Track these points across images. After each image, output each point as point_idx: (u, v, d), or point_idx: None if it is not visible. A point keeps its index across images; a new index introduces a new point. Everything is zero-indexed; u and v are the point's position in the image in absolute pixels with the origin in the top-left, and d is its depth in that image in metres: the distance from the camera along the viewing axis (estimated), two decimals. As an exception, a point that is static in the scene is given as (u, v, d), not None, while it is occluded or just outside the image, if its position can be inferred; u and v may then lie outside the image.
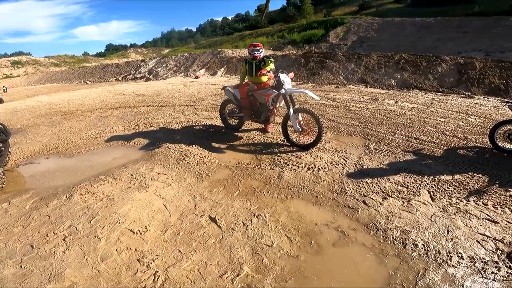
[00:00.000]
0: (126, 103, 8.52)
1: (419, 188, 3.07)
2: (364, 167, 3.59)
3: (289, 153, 4.10)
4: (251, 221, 2.71)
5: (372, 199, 2.93)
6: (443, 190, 3.03)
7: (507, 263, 2.11)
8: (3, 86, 22.67)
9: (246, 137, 4.87)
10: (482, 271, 2.07)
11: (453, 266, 2.11)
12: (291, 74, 4.36)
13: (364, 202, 2.89)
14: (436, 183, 3.14)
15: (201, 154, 4.26)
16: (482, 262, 2.15)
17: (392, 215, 2.67)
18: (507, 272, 2.04)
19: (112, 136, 5.42)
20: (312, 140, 4.11)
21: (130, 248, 2.37)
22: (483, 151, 3.88)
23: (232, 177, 3.58)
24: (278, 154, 4.11)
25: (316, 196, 3.05)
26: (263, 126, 5.00)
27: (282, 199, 3.05)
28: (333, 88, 8.84)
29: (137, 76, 20.47)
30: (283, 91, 4.12)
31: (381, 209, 2.76)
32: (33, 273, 2.16)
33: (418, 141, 4.28)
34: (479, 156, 3.75)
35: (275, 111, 4.51)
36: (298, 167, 3.67)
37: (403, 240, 2.36)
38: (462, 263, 2.13)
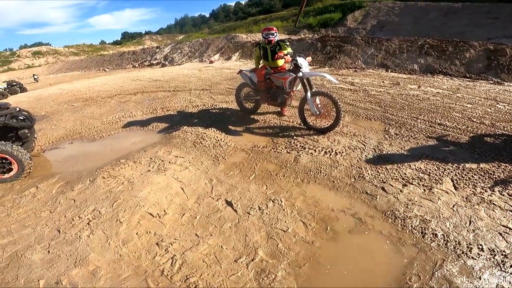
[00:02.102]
0: (144, 89, 8.58)
1: (442, 176, 2.88)
2: (384, 152, 3.41)
3: (305, 137, 3.99)
4: (266, 205, 2.66)
5: (392, 185, 2.79)
6: (467, 178, 2.82)
7: (529, 257, 1.96)
8: (34, 75, 23.15)
9: (262, 120, 4.78)
10: (501, 265, 1.94)
11: (472, 258, 1.99)
12: (309, 58, 4.20)
13: (383, 188, 2.76)
14: (460, 171, 2.94)
15: (217, 137, 4.24)
16: (502, 255, 2.01)
17: (412, 203, 2.53)
18: (527, 267, 1.89)
19: (131, 120, 5.50)
20: (329, 123, 3.98)
21: (149, 232, 2.40)
22: (511, 139, 3.60)
23: (248, 160, 3.53)
24: (294, 137, 4.00)
25: (333, 181, 2.95)
26: (279, 109, 4.91)
27: (298, 184, 2.97)
28: (351, 72, 8.47)
29: (153, 63, 20.58)
30: (300, 74, 3.98)
31: (401, 197, 2.62)
32: (60, 258, 2.20)
33: (442, 127, 4.02)
34: (506, 144, 3.47)
35: (292, 94, 4.38)
36: (315, 151, 3.56)
37: (422, 230, 2.24)
38: (481, 255, 2.01)
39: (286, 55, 4.19)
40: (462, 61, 7.88)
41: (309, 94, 3.93)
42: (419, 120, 4.29)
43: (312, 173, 3.13)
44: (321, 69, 9.26)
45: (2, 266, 2.15)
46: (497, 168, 2.96)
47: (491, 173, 2.88)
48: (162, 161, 3.59)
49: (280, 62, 4.38)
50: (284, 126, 4.48)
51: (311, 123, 4.17)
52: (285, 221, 2.44)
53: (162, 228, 2.44)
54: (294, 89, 4.28)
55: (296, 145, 3.77)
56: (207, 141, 4.13)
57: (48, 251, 2.27)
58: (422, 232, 2.22)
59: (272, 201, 2.72)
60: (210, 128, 4.58)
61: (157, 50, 23.05)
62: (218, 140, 4.12)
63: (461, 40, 8.68)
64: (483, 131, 3.84)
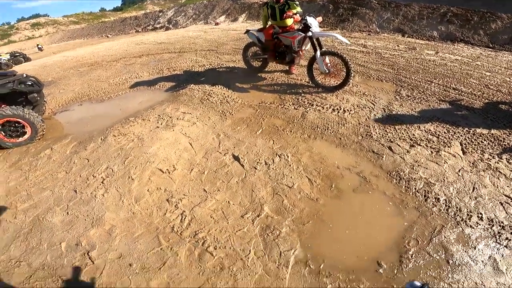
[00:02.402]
0: (149, 51, 8.36)
1: (451, 139, 2.82)
2: (393, 112, 3.34)
3: (313, 94, 3.91)
4: (273, 160, 2.69)
5: (399, 145, 2.76)
6: (476, 143, 2.75)
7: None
8: (37, 44, 22.58)
9: (270, 78, 4.69)
10: (497, 236, 1.93)
11: (470, 226, 1.99)
12: (319, 18, 3.99)
13: (389, 148, 2.74)
14: (470, 136, 2.86)
15: (224, 94, 4.20)
16: (500, 226, 1.99)
17: (418, 165, 2.51)
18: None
19: (137, 81, 5.45)
20: (339, 82, 3.87)
21: (160, 188, 2.47)
22: None
23: (255, 115, 3.52)
24: (302, 94, 3.94)
25: (340, 138, 2.93)
26: (288, 68, 4.77)
27: (305, 139, 2.97)
28: (364, 35, 7.98)
29: (157, 27, 19.80)
30: (310, 34, 3.79)
31: (407, 157, 2.60)
32: (78, 219, 2.28)
33: (457, 91, 3.85)
34: None
35: (301, 53, 4.21)
36: (323, 108, 3.51)
37: (425, 193, 2.24)
38: (480, 225, 2.00)
39: (295, 14, 3.97)
40: (487, 31, 7.26)
41: (318, 53, 3.79)
42: (433, 84, 4.11)
43: (319, 129, 3.11)
44: (332, 31, 8.77)
45: (26, 231, 2.22)
46: (508, 135, 2.87)
47: (501, 140, 2.80)
48: (170, 117, 3.61)
49: (289, 22, 4.16)
50: (292, 83, 4.39)
51: (319, 81, 4.07)
52: (291, 177, 2.47)
53: (172, 184, 2.51)
54: (303, 48, 4.11)
55: (304, 102, 3.72)
56: (214, 97, 4.11)
57: (67, 213, 2.34)
58: (425, 196, 2.22)
59: (279, 156, 2.74)
60: (217, 86, 4.52)
61: (160, 14, 22.02)
62: (225, 97, 4.09)
63: (488, 11, 7.95)
64: (499, 98, 3.68)
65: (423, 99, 3.66)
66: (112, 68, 6.89)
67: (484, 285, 1.67)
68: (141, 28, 21.31)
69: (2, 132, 3.35)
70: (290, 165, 2.61)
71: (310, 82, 4.17)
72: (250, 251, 1.91)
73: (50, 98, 5.11)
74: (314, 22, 3.82)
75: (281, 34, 4.16)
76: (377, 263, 1.78)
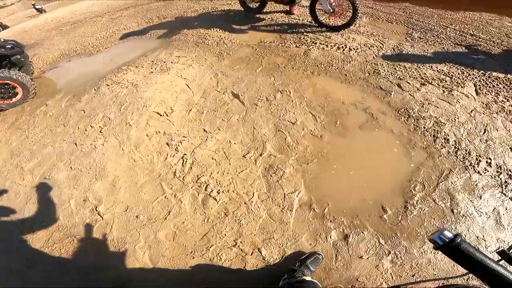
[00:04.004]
0: (134, 3, 7.59)
1: (465, 80, 2.59)
2: (404, 52, 3.05)
3: (317, 33, 3.57)
4: (274, 96, 2.52)
5: (409, 83, 2.55)
6: (491, 86, 2.54)
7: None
8: (34, 4, 18.60)
9: (269, 18, 4.26)
10: (503, 186, 1.81)
11: (478, 172, 1.86)
12: None
13: (398, 85, 2.53)
14: (486, 78, 2.62)
15: (220, 36, 3.88)
16: (507, 174, 1.87)
17: (429, 103, 2.33)
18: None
19: (127, 32, 5.02)
20: (344, 21, 3.49)
21: (159, 132, 2.34)
22: None
23: (254, 54, 3.27)
24: (304, 33, 3.60)
25: (345, 75, 2.71)
26: (288, 8, 4.31)
27: (308, 75, 2.75)
28: None
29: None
30: None
31: (417, 95, 2.41)
32: (82, 173, 2.21)
33: (474, 37, 3.42)
34: None
35: None
36: (327, 46, 3.22)
37: (434, 133, 2.09)
38: (488, 172, 1.87)
39: None
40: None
41: None
42: (448, 29, 3.66)
43: (323, 66, 2.87)
44: None
45: (35, 192, 2.17)
46: None
47: None
48: (164, 62, 3.36)
49: None
50: (293, 23, 3.97)
51: (323, 21, 3.68)
52: (294, 113, 2.32)
53: (171, 127, 2.38)
54: None
55: (306, 40, 3.40)
56: (210, 40, 3.79)
57: (71, 167, 2.28)
58: (434, 136, 2.08)
59: (280, 92, 2.56)
60: (212, 29, 4.14)
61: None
62: (222, 38, 3.77)
63: None
64: None
65: (437, 42, 3.31)
66: (97, 24, 6.36)
67: (484, 240, 1.61)
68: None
69: None
70: (292, 101, 2.44)
71: (313, 22, 3.78)
72: (253, 194, 1.84)
73: (36, 59, 4.78)
74: None
75: None
76: (382, 208, 1.71)
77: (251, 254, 1.59)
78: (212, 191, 1.89)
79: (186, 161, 2.10)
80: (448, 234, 0.62)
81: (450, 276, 1.48)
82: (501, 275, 0.57)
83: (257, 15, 4.38)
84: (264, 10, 4.46)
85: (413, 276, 1.50)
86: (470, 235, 1.62)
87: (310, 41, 3.37)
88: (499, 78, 2.66)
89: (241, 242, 1.63)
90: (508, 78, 2.66)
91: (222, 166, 2.03)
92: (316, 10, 3.60)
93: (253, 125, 2.27)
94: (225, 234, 1.68)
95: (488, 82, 2.60)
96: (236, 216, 1.75)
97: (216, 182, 1.93)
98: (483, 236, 1.62)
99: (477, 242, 1.61)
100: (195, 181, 1.97)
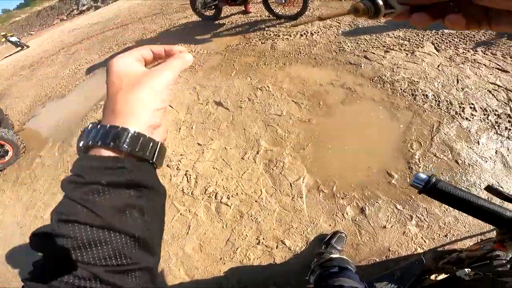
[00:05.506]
0: (87, 35, 7.30)
1: (422, 41, 2.73)
2: (360, 26, 3.17)
3: (277, 26, 3.64)
4: (255, 94, 2.54)
5: (374, 53, 2.66)
6: (448, 41, 2.66)
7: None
8: (7, 37, 11.27)
9: (229, 22, 4.28)
10: (495, 127, 1.83)
11: (466, 119, 1.88)
12: None
13: (365, 57, 2.63)
14: (440, 36, 2.76)
15: (186, 49, 3.84)
16: (495, 115, 1.88)
17: (397, 67, 2.44)
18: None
19: (90, 66, 4.83)
20: (298, 9, 3.58)
21: None
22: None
23: (225, 60, 3.28)
24: (266, 29, 3.66)
25: (315, 58, 2.78)
26: (244, 8, 4.35)
27: (281, 67, 2.80)
28: None
29: (83, 9, 17.18)
30: None
31: (385, 62, 2.51)
32: None
33: None
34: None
35: None
36: (290, 36, 3.30)
37: (412, 92, 2.17)
38: (475, 116, 1.89)
39: None
40: None
41: None
42: None
43: (292, 55, 2.94)
44: None
45: None
46: (477, 32, 2.75)
47: (471, 37, 2.70)
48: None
49: None
50: (253, 21, 4.03)
51: (279, 12, 3.75)
52: (277, 105, 2.35)
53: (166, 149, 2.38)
54: None
55: (270, 34, 3.46)
56: None
57: None
58: (412, 94, 2.15)
59: (260, 90, 2.59)
60: (176, 45, 4.09)
61: (79, -5, 19.10)
62: (189, 51, 3.74)
63: None
64: None
65: None
66: (55, 62, 6.06)
67: (501, 186, 1.55)
68: (66, 16, 18.54)
69: None
70: (273, 95, 2.47)
71: (271, 16, 3.85)
72: (261, 191, 1.85)
73: (10, 111, 4.54)
74: None
75: None
76: (388, 174, 1.71)
77: (277, 248, 1.61)
78: (222, 198, 1.89)
79: (190, 177, 2.09)
80: (422, 176, 0.61)
81: (485, 230, 1.40)
82: (486, 208, 0.56)
83: (216, 22, 4.37)
84: (222, 15, 4.47)
85: (445, 236, 1.45)
86: (484, 184, 1.59)
87: (274, 35, 3.42)
88: (452, 34, 2.80)
89: (263, 238, 1.65)
90: (461, 33, 2.79)
91: (224, 172, 2.03)
92: (270, 3, 3.67)
93: (243, 127, 2.29)
94: (246, 235, 1.69)
95: (444, 39, 2.73)
96: (251, 216, 1.76)
97: (224, 188, 1.94)
98: (498, 182, 1.59)
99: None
100: (204, 192, 1.97)
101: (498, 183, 1.60)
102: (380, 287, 0.73)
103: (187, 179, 2.08)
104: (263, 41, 3.36)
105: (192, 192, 2.00)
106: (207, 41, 3.91)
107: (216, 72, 3.10)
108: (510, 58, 2.44)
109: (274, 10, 3.71)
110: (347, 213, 1.64)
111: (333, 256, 1.27)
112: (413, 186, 0.62)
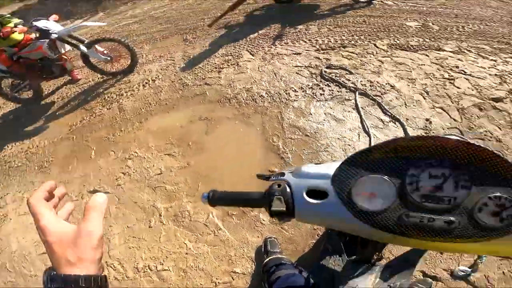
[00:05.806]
0: None
1: (240, 51, 3.31)
2: (192, 56, 3.51)
3: (116, 84, 3.48)
4: (127, 166, 2.39)
5: (211, 77, 3.01)
6: (256, 45, 3.36)
7: (323, 82, 2.58)
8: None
9: (59, 98, 3.66)
10: (314, 96, 2.44)
11: (294, 101, 2.44)
12: (54, 16, 3.23)
13: (206, 83, 2.95)
14: (250, 42, 3.45)
15: (22, 149, 2.99)
16: (309, 88, 2.53)
17: (233, 82, 2.85)
18: (329, 90, 2.48)
19: None
20: (129, 60, 3.56)
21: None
22: (269, 8, 4.33)
23: (76, 144, 2.85)
24: (105, 91, 3.42)
25: (166, 103, 2.89)
26: (70, 77, 3.91)
27: (139, 127, 2.75)
28: (130, 5, 6.90)
29: None
30: (55, 35, 3.05)
31: (222, 82, 2.90)
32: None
33: (223, 27, 4.18)
34: (269, 12, 4.23)
35: (66, 57, 3.47)
36: (133, 90, 3.25)
37: (251, 97, 2.60)
38: (298, 96, 2.48)
39: (16, 27, 3.15)
40: None
41: (82, 47, 3.16)
42: (204, 20, 4.45)
43: (143, 110, 2.93)
44: (93, 17, 7.04)
45: None
46: (269, 29, 3.62)
47: (267, 34, 3.52)
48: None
49: (19, 37, 3.18)
50: (87, 88, 3.64)
51: (112, 71, 3.61)
52: (154, 165, 2.32)
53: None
54: (63, 51, 3.35)
55: (113, 96, 3.28)
56: (14, 162, 2.86)
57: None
58: (253, 99, 2.57)
59: (129, 159, 2.45)
60: (7, 147, 3.12)
61: None
62: (26, 152, 2.94)
63: None
64: (251, 9, 4.40)
65: (206, 34, 4.02)
66: None
67: (345, 137, 2.05)
68: None
69: None
70: (145, 158, 2.40)
71: (105, 76, 3.65)
72: (184, 243, 1.81)
73: None
74: (49, 23, 3.10)
75: (21, 52, 3.20)
76: (270, 171, 1.93)
77: (233, 279, 1.61)
78: (157, 266, 1.75)
79: (114, 265, 1.84)
80: (205, 194, 0.66)
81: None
82: (246, 196, 0.63)
83: (42, 102, 3.68)
84: (46, 92, 3.83)
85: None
86: (334, 140, 2.06)
87: (116, 95, 3.25)
88: (256, 37, 3.56)
89: (216, 278, 1.63)
90: (261, 34, 3.61)
91: (142, 246, 1.87)
92: (96, 64, 3.50)
93: (133, 201, 2.11)
94: (200, 284, 1.62)
95: (253, 44, 3.44)
96: (192, 267, 1.70)
97: (152, 259, 1.80)
98: (341, 135, 2.09)
99: (346, 150, 1.98)
100: (137, 272, 1.77)
101: (341, 135, 2.12)
102: (327, 264, 0.77)
103: (113, 268, 1.81)
104: (108, 107, 3.12)
105: (126, 276, 1.76)
106: (43, 129, 3.19)
107: (73, 160, 2.64)
108: (297, 42, 3.30)
109: (105, 70, 3.57)
110: (263, 220, 1.79)
111: (268, 259, 1.37)
112: (204, 202, 0.67)
